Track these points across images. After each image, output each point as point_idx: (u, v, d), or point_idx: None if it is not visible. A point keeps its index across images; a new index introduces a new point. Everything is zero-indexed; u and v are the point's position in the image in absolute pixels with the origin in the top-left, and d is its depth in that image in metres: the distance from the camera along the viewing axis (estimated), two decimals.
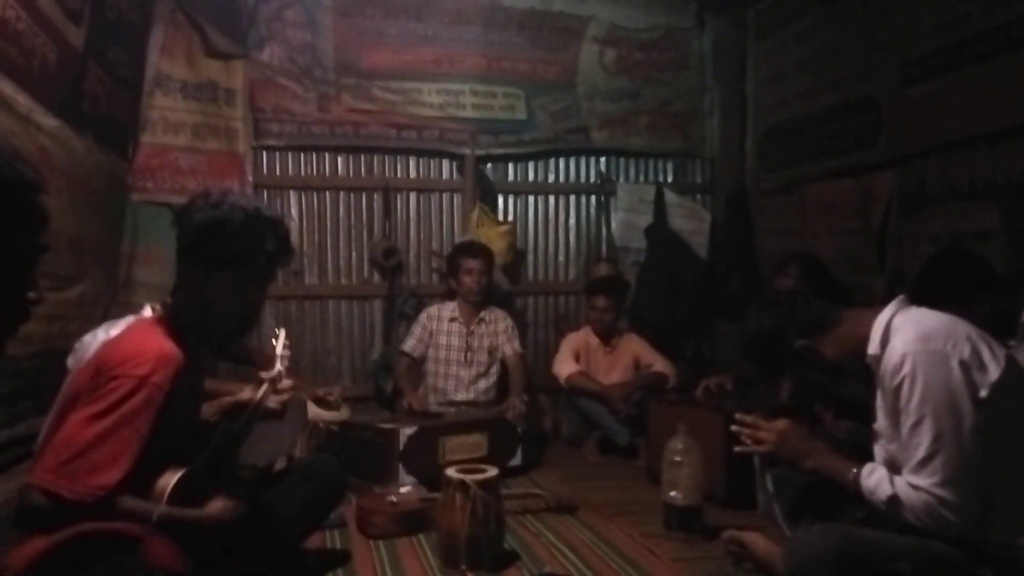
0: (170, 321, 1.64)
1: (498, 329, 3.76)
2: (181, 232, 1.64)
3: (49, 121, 2.36)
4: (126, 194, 3.42)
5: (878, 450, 1.62)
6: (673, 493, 2.40)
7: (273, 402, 1.84)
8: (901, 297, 1.64)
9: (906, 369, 1.48)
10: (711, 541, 2.31)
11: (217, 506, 1.57)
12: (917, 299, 1.65)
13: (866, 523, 1.61)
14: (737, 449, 1.87)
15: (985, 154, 2.81)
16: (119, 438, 1.41)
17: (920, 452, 1.45)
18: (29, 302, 1.08)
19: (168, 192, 3.64)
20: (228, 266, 1.61)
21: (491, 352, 3.74)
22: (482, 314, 3.76)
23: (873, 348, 1.58)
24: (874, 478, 1.54)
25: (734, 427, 1.86)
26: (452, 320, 3.74)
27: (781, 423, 1.78)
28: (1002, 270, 2.43)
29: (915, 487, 1.45)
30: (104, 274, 2.97)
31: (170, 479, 1.51)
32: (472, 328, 3.73)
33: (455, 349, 3.71)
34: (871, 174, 3.40)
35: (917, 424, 1.46)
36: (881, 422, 1.61)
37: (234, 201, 1.65)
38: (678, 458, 2.39)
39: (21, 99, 2.17)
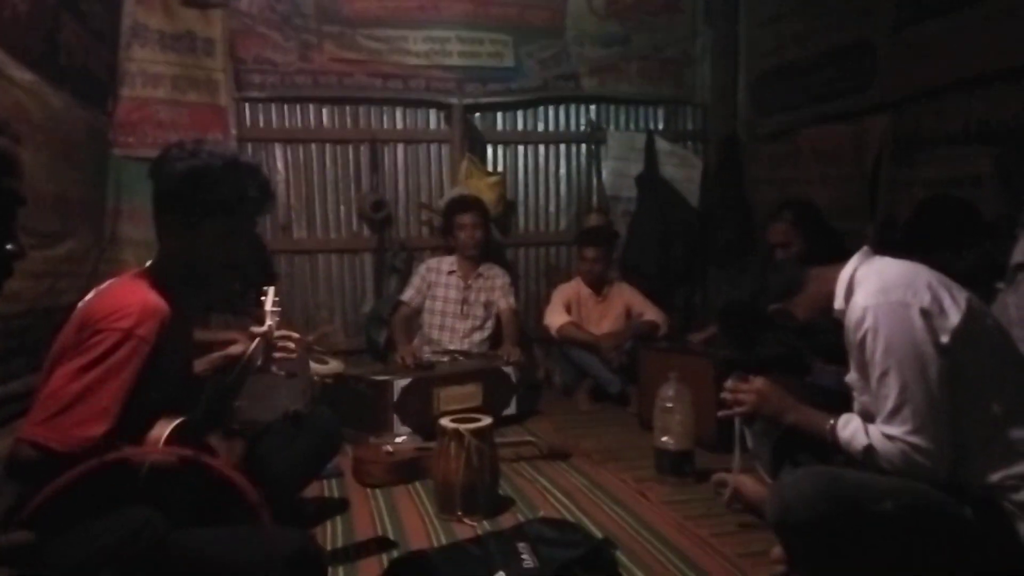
0: (155, 275, 1.62)
1: (495, 285, 3.79)
2: (159, 184, 1.61)
3: (24, 75, 2.29)
4: (108, 149, 3.35)
5: (855, 402, 1.66)
6: (665, 438, 2.44)
7: (278, 360, 1.85)
8: (865, 249, 1.65)
9: (868, 323, 1.51)
10: (702, 484, 2.36)
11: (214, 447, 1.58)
12: (882, 249, 1.67)
13: (848, 466, 1.65)
14: (720, 413, 1.93)
15: (980, 98, 2.78)
16: (106, 390, 1.42)
17: (889, 403, 1.49)
18: (10, 255, 1.06)
19: (150, 147, 3.56)
20: (211, 215, 1.59)
21: (487, 307, 3.77)
22: (480, 269, 3.78)
23: (838, 303, 1.61)
24: (849, 429, 1.58)
25: (723, 394, 1.90)
26: (451, 273, 3.77)
27: (759, 382, 1.82)
28: (993, 215, 2.43)
29: (888, 436, 1.49)
30: (90, 231, 2.94)
31: (163, 430, 1.52)
32: (470, 282, 3.75)
33: (452, 302, 3.73)
34: (865, 119, 3.36)
35: (884, 375, 1.49)
36: (853, 374, 1.64)
37: (212, 149, 1.63)
38: (669, 404, 2.42)
39: None
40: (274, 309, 1.92)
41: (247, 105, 3.95)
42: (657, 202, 4.34)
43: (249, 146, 3.97)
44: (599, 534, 2.03)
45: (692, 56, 4.49)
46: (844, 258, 1.66)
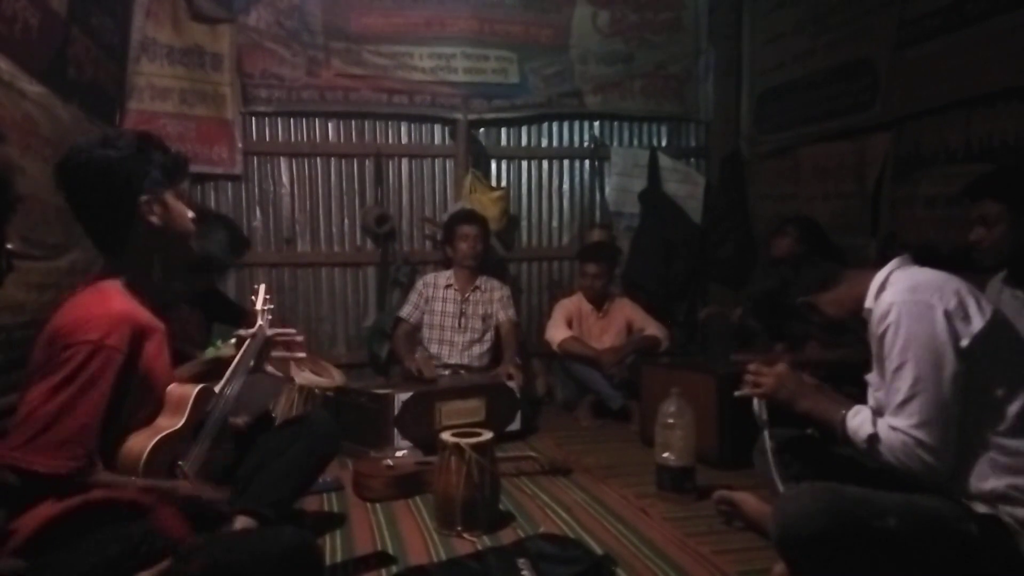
0: (117, 278, 1.56)
1: (493, 297, 3.79)
2: (74, 190, 1.55)
3: (33, 88, 2.32)
4: None
5: (870, 398, 1.67)
6: (666, 454, 2.44)
7: (276, 361, 1.84)
8: (904, 256, 1.67)
9: (891, 317, 1.53)
10: (703, 501, 2.35)
11: (187, 486, 1.55)
12: (921, 260, 1.69)
13: (853, 479, 1.64)
14: (737, 393, 1.92)
15: (981, 116, 2.79)
16: (82, 407, 1.38)
17: (900, 395, 1.50)
18: (8, 253, 1.05)
19: None
20: (132, 199, 1.53)
21: (485, 319, 3.76)
22: (477, 282, 3.78)
23: (868, 302, 1.63)
24: (858, 419, 1.60)
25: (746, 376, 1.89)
26: (448, 287, 3.77)
27: (780, 367, 1.82)
28: None
29: (893, 428, 1.51)
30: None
31: (146, 443, 1.49)
32: (467, 295, 3.75)
33: (450, 315, 3.74)
34: (866, 136, 3.38)
35: (899, 368, 1.51)
36: (872, 372, 1.66)
37: (99, 140, 1.57)
38: (671, 420, 2.42)
39: (4, 65, 2.13)
40: (265, 308, 1.88)
41: (253, 119, 3.98)
42: (660, 218, 4.35)
43: (255, 159, 4.00)
44: (600, 550, 2.02)
45: (695, 74, 4.52)
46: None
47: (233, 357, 1.77)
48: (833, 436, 1.69)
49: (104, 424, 1.42)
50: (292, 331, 1.93)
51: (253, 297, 1.94)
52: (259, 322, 1.85)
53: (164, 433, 1.54)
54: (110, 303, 1.49)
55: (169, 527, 1.37)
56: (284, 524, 1.61)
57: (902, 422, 1.50)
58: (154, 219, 1.57)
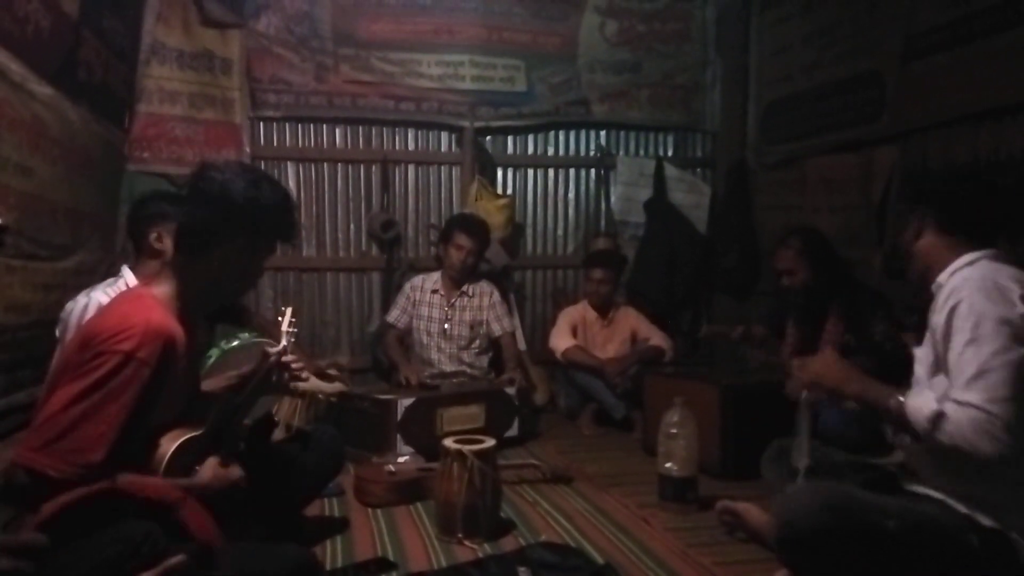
0: (161, 287, 1.59)
1: (483, 304, 3.71)
2: (209, 205, 1.57)
3: (43, 90, 2.33)
4: (122, 164, 3.40)
5: (919, 370, 1.64)
6: (668, 464, 2.42)
7: (285, 379, 1.84)
8: (995, 251, 1.62)
9: (964, 292, 1.50)
10: (705, 511, 2.34)
11: (207, 474, 1.56)
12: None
13: (864, 486, 1.63)
14: (787, 389, 1.91)
15: (988, 130, 2.79)
16: (104, 416, 1.38)
17: (971, 369, 1.44)
18: (2, 228, 1.04)
19: (165, 162, 3.62)
20: (252, 238, 1.59)
21: (473, 327, 3.68)
22: (464, 287, 3.70)
23: (943, 276, 1.61)
24: (920, 399, 1.52)
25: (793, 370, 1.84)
26: (433, 292, 3.69)
27: (825, 353, 1.78)
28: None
29: (963, 403, 1.44)
30: (101, 244, 2.97)
31: (168, 447, 1.52)
32: (453, 301, 3.67)
33: (435, 321, 3.66)
34: (873, 149, 3.38)
35: (969, 343, 1.46)
36: (926, 349, 1.62)
37: (260, 175, 1.64)
38: (674, 430, 2.41)
39: (15, 67, 2.14)
40: (290, 330, 1.88)
41: (261, 124, 4.00)
42: (665, 228, 4.35)
43: (262, 164, 4.01)
44: (600, 560, 2.01)
45: (702, 84, 4.53)
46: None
47: (255, 372, 1.76)
48: (878, 427, 1.65)
49: (126, 434, 1.42)
50: (301, 364, 1.93)
51: (280, 318, 1.92)
52: (283, 342, 1.84)
53: (187, 437, 1.56)
54: (149, 314, 1.49)
55: (197, 526, 1.37)
56: (288, 543, 1.61)
57: (974, 396, 1.42)
58: (235, 266, 1.61)
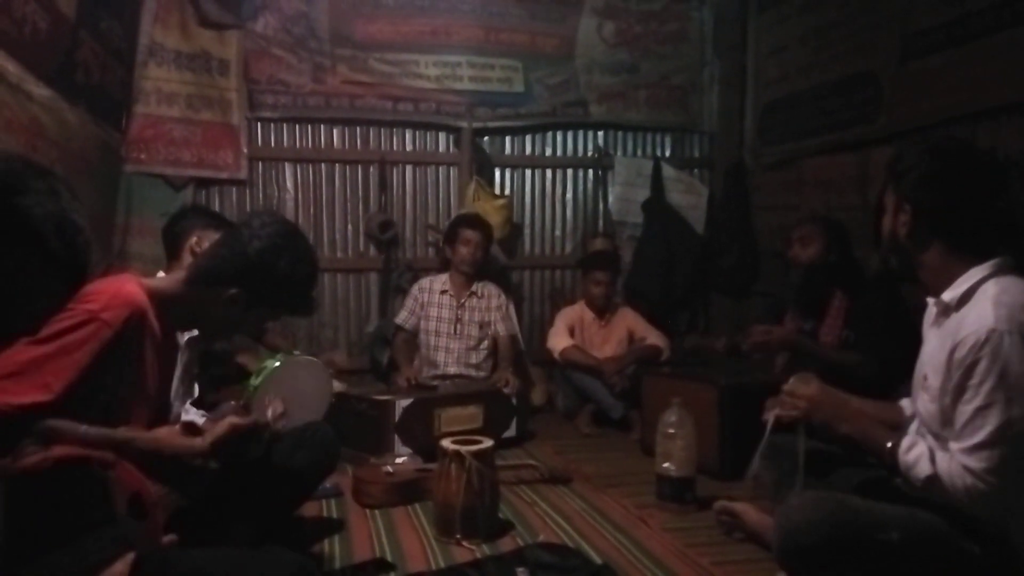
0: (156, 287, 1.57)
1: (491, 305, 3.76)
2: (226, 248, 1.59)
3: (41, 91, 2.34)
4: (120, 165, 3.40)
5: (917, 401, 1.59)
6: (666, 465, 2.43)
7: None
8: (1002, 260, 1.51)
9: (988, 349, 1.39)
10: (703, 512, 2.34)
11: (162, 432, 1.54)
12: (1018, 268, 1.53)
13: (860, 489, 1.63)
14: (766, 416, 1.81)
15: (985, 131, 2.80)
16: (52, 366, 1.35)
17: (980, 435, 1.40)
18: None
19: (162, 164, 3.63)
20: (253, 299, 1.58)
21: (482, 326, 3.72)
22: (474, 287, 3.74)
23: (950, 296, 1.51)
24: (913, 454, 1.49)
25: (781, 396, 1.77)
26: (443, 292, 3.73)
27: (814, 387, 1.70)
28: None
29: (963, 465, 1.41)
30: (98, 246, 2.97)
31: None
32: (463, 301, 3.72)
33: (445, 321, 3.70)
34: (869, 149, 3.38)
35: (986, 407, 1.40)
36: (931, 379, 1.54)
37: (292, 244, 1.62)
38: (672, 430, 2.41)
39: (12, 68, 2.15)
40: (273, 418, 1.78)
41: (259, 124, 4.00)
42: (663, 228, 4.35)
43: (259, 165, 4.01)
44: (599, 560, 2.01)
45: (699, 85, 4.54)
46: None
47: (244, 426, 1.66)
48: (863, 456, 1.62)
49: (74, 392, 1.38)
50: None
51: (268, 411, 1.78)
52: (261, 418, 1.74)
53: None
54: (122, 285, 1.49)
55: (127, 481, 1.30)
56: (285, 546, 1.59)
57: (975, 463, 1.39)
58: (226, 313, 1.59)
